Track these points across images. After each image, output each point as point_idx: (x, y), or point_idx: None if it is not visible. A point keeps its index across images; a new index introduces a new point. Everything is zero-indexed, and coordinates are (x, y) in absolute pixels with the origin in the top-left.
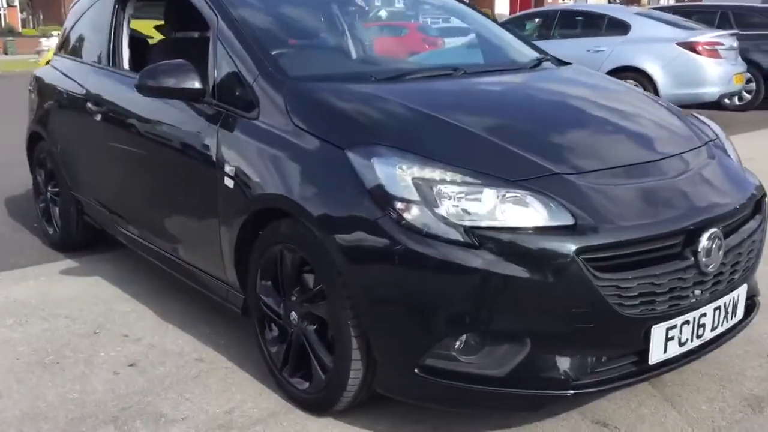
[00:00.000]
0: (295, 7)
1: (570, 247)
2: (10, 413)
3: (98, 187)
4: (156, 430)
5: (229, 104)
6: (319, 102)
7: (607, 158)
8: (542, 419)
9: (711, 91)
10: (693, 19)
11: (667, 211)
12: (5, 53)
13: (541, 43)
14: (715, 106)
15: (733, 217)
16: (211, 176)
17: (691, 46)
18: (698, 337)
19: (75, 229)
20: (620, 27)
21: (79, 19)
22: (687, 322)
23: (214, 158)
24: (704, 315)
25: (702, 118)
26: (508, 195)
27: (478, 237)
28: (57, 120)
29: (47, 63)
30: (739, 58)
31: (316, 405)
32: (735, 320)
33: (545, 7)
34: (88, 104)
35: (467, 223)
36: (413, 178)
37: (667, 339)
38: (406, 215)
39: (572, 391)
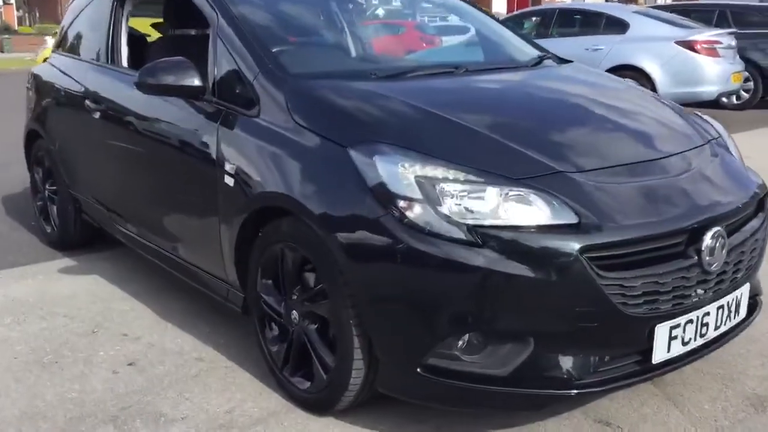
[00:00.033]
0: (294, 4)
1: (574, 245)
2: (8, 412)
3: (96, 186)
4: (156, 430)
5: (230, 102)
6: (320, 99)
7: (610, 156)
8: (545, 418)
9: (709, 89)
10: (691, 18)
11: (671, 210)
12: (1, 51)
13: (539, 42)
14: (713, 104)
15: (736, 215)
16: (211, 174)
17: (689, 45)
18: (701, 336)
19: (73, 227)
20: (618, 25)
21: (77, 16)
22: (690, 321)
23: (214, 156)
24: (707, 314)
25: (704, 116)
26: (511, 193)
27: (481, 235)
28: (55, 118)
29: (44, 61)
30: (738, 57)
31: (317, 405)
32: (738, 319)
33: (543, 6)
34: (87, 102)
35: (470, 222)
36: (416, 176)
37: (671, 338)
38: (408, 213)
39: (575, 391)
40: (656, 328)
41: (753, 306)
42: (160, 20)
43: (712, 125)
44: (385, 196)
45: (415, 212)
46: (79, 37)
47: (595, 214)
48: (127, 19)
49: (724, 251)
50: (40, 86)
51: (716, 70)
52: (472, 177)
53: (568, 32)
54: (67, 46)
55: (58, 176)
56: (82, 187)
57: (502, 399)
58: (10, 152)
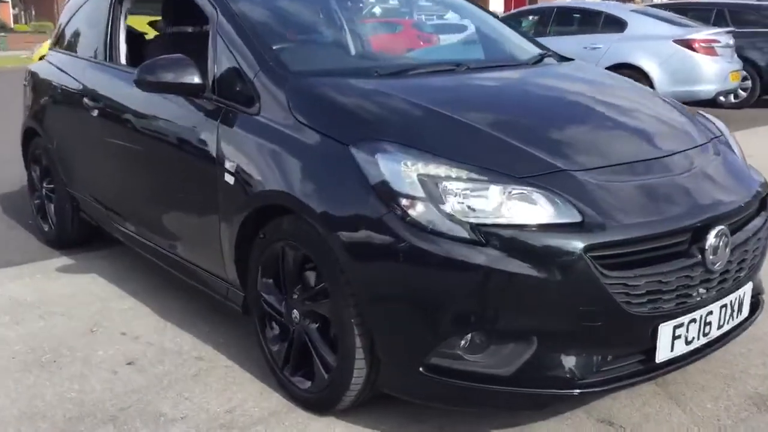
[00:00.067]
0: (294, 1)
1: (578, 244)
2: (7, 412)
3: (95, 184)
4: (156, 430)
5: (229, 99)
6: (322, 97)
7: (614, 155)
8: (547, 418)
9: (707, 88)
10: (689, 17)
11: (674, 209)
12: None
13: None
14: (710, 103)
15: (739, 214)
16: (211, 172)
17: (687, 44)
18: (705, 335)
19: (70, 225)
20: (617, 24)
21: (74, 13)
22: (694, 321)
23: (214, 154)
24: (711, 313)
25: (706, 114)
26: (514, 192)
27: (484, 234)
28: (53, 115)
29: (41, 59)
30: (735, 55)
31: (318, 404)
32: (740, 318)
33: (541, 4)
34: (85, 100)
35: (473, 220)
36: (418, 175)
37: (674, 337)
38: (410, 212)
39: (578, 391)
40: (660, 328)
41: (755, 305)
42: (158, 18)
43: (714, 123)
44: (387, 195)
45: (418, 211)
46: (77, 34)
47: (598, 212)
48: (126, 17)
49: (727, 250)
50: (37, 84)
51: (714, 68)
52: (474, 175)
53: (566, 31)
54: (65, 43)
55: (56, 174)
56: (80, 186)
57: (504, 398)
58: (6, 150)
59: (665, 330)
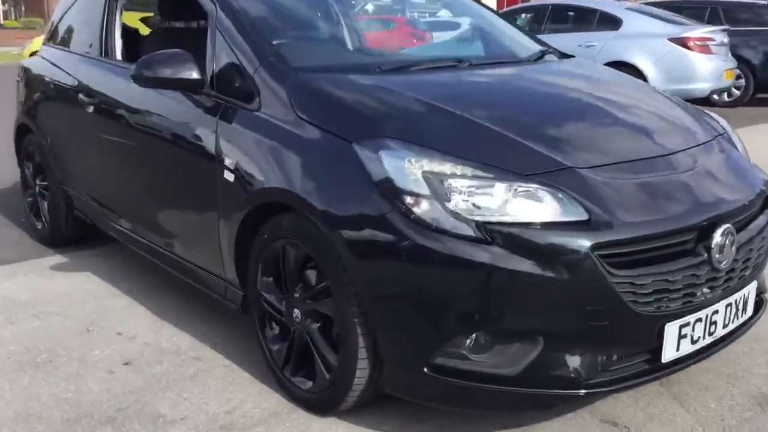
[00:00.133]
0: None
1: (585, 243)
2: (3, 414)
3: (89, 181)
4: (155, 431)
5: (229, 95)
6: (324, 93)
7: (619, 153)
8: (550, 418)
9: (702, 87)
10: (683, 15)
11: (680, 207)
12: None
13: None
14: (704, 102)
15: (744, 212)
16: (210, 169)
17: (682, 42)
18: (710, 334)
19: (64, 223)
20: (611, 22)
21: (69, 8)
22: (700, 320)
23: (213, 151)
24: (716, 312)
25: (710, 113)
26: (520, 189)
27: (489, 232)
28: (46, 112)
29: (31, 55)
30: (730, 54)
31: (319, 405)
32: (745, 317)
33: (535, 2)
34: (80, 95)
35: (478, 218)
36: (423, 172)
37: (680, 337)
38: (415, 209)
39: (584, 391)
40: (666, 327)
41: (759, 304)
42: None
43: (717, 121)
44: (391, 192)
45: (422, 208)
46: (71, 30)
47: (605, 210)
48: (122, 12)
49: (733, 249)
50: (31, 79)
51: (709, 67)
52: (480, 172)
53: (561, 28)
54: (59, 39)
55: (50, 171)
56: (74, 183)
57: (509, 399)
58: None
59: (671, 329)
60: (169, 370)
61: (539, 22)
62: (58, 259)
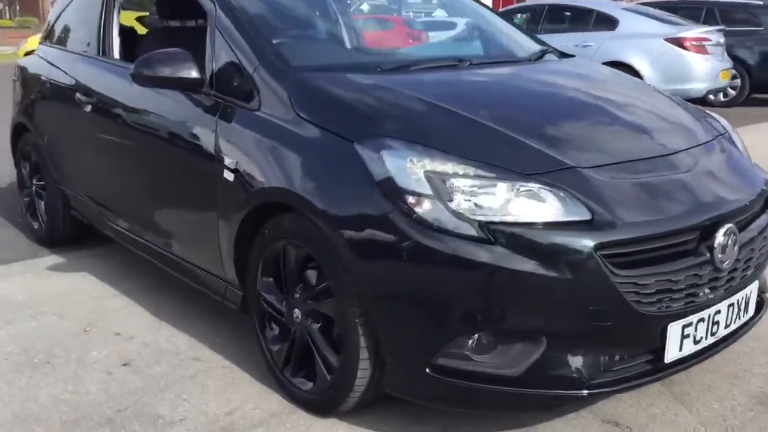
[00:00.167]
0: None
1: (588, 243)
2: (1, 416)
3: (87, 181)
4: None
5: (228, 94)
6: (324, 92)
7: (620, 152)
8: (552, 419)
9: (698, 87)
10: (679, 15)
11: (683, 207)
12: None
13: None
14: (700, 102)
15: (746, 212)
16: (210, 169)
17: (678, 42)
18: (712, 334)
19: (61, 223)
20: (608, 22)
21: (66, 7)
22: (702, 320)
23: (212, 150)
24: (718, 312)
25: (711, 112)
26: (522, 189)
27: (492, 232)
28: (43, 111)
29: (26, 54)
30: (726, 54)
31: (320, 406)
32: (746, 317)
33: (532, 2)
34: (78, 95)
35: (480, 218)
36: (425, 171)
37: (683, 337)
38: (417, 209)
39: (587, 391)
40: (669, 327)
41: (760, 304)
42: (145, 14)
43: (718, 121)
44: (392, 192)
45: (424, 208)
46: (68, 29)
47: (608, 210)
48: (119, 11)
49: (735, 248)
50: (27, 79)
51: (705, 67)
52: (482, 172)
53: (558, 29)
54: (56, 38)
55: (46, 171)
56: (71, 182)
57: (511, 400)
58: None
59: (674, 329)
60: (168, 370)
61: (536, 22)
62: (55, 259)
